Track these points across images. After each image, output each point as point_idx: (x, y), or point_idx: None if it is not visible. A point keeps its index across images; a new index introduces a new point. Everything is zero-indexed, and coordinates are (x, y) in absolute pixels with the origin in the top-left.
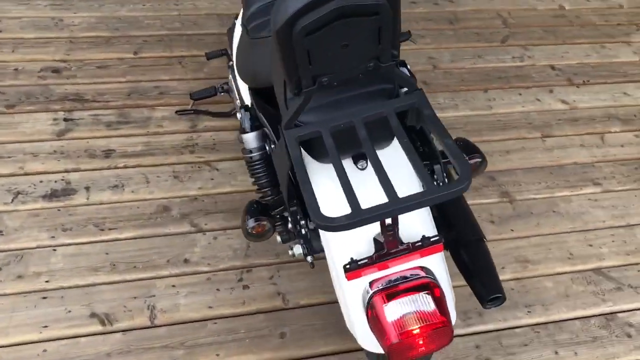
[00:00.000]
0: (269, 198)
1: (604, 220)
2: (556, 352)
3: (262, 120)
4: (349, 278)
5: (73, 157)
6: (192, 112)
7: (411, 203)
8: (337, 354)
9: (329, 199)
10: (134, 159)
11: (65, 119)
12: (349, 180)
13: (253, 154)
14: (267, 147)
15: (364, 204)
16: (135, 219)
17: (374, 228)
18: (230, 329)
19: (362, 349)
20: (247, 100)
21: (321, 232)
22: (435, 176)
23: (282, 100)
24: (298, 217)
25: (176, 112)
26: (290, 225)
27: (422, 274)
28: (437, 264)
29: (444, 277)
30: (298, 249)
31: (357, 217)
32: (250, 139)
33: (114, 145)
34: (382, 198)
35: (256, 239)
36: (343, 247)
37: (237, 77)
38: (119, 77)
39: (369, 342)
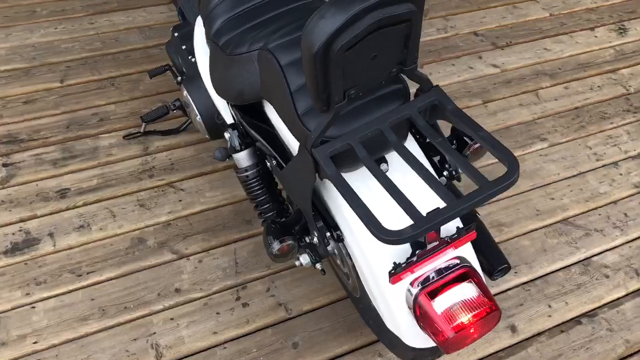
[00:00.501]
0: (270, 214)
1: (558, 172)
2: (549, 306)
3: (255, 136)
4: (394, 282)
5: (25, 204)
6: (140, 134)
7: (472, 202)
8: (352, 351)
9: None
10: (92, 194)
11: (4, 165)
12: (399, 189)
13: (249, 172)
14: (267, 163)
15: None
16: (111, 257)
17: None
18: (241, 351)
19: (375, 342)
20: (228, 118)
21: (351, 242)
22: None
23: (292, 117)
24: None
25: (124, 137)
26: (315, 239)
27: (459, 263)
28: (468, 250)
29: (475, 261)
30: (305, 259)
31: (423, 226)
32: (243, 157)
33: (66, 183)
34: (419, 199)
35: (283, 259)
36: (379, 252)
37: (214, 95)
38: (50, 109)
39: (417, 339)
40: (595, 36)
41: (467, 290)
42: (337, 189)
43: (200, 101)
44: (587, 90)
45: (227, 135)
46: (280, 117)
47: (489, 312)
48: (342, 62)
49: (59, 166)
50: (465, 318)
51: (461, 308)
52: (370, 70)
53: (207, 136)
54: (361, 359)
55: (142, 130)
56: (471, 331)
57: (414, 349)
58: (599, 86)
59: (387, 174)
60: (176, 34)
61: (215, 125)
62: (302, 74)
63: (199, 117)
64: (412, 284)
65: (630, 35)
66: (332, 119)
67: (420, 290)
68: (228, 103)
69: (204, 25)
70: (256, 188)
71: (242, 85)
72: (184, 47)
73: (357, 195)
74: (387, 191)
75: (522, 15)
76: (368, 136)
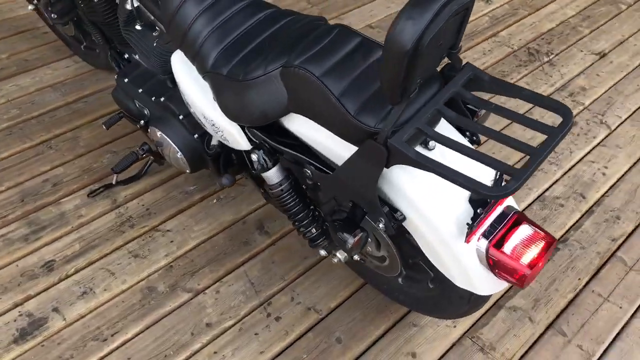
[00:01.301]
0: (307, 220)
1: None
2: None
3: (285, 150)
4: (469, 240)
5: (12, 287)
6: (103, 189)
7: (550, 147)
8: (390, 329)
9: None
10: (81, 259)
11: None
12: (482, 152)
13: (283, 185)
14: (307, 172)
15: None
16: (129, 313)
17: (464, 193)
18: None
19: (405, 315)
20: (244, 142)
21: (415, 218)
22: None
23: (343, 119)
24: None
25: (88, 195)
26: (382, 226)
27: (509, 211)
28: (509, 200)
29: (515, 204)
30: (342, 254)
31: (523, 176)
32: (275, 173)
33: (48, 255)
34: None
35: (359, 251)
36: (446, 221)
37: (223, 123)
38: None
39: (488, 286)
40: None
41: (525, 231)
42: (424, 168)
43: (178, 137)
44: (482, 56)
45: (254, 156)
46: (321, 124)
47: (550, 243)
48: (425, 55)
49: (32, 241)
50: (533, 253)
51: (527, 247)
52: (435, 58)
53: (187, 171)
54: (399, 334)
55: (114, 182)
56: (541, 264)
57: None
58: (489, 50)
59: (435, 151)
60: (126, 80)
61: (198, 157)
62: (340, 80)
63: (179, 153)
64: (477, 241)
65: (495, 3)
66: (404, 109)
67: (489, 243)
68: (244, 127)
69: (193, 63)
70: (292, 199)
71: (264, 106)
72: (140, 89)
73: (450, 167)
74: (472, 157)
75: (404, 2)
76: (429, 118)
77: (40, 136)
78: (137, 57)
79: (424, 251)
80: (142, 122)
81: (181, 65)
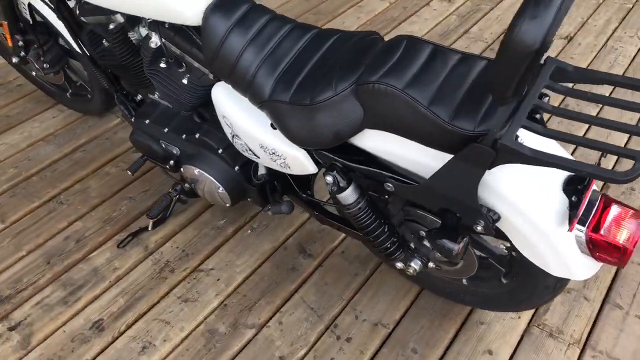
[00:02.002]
0: (384, 236)
1: None
2: None
3: (365, 168)
4: (572, 228)
5: (67, 355)
6: (131, 237)
7: None
8: (459, 330)
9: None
10: (129, 313)
11: (10, 329)
12: (594, 140)
13: (360, 203)
14: (389, 186)
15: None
16: (199, 358)
17: (555, 184)
18: None
19: (469, 314)
20: (310, 166)
21: (513, 216)
22: None
23: (436, 128)
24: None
25: (117, 246)
26: (480, 228)
27: (596, 196)
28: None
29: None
30: (417, 263)
31: None
32: (351, 192)
33: (94, 315)
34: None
35: (459, 259)
36: (545, 214)
37: (286, 150)
38: (14, 254)
39: (585, 270)
40: (434, 9)
41: (616, 211)
42: (542, 164)
43: (219, 171)
44: None
45: (329, 178)
46: (405, 136)
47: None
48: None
49: (72, 302)
50: (628, 230)
51: (620, 226)
52: None
53: (227, 205)
54: (470, 334)
55: (150, 228)
56: (637, 239)
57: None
58: (466, 47)
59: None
60: (147, 121)
61: (239, 189)
62: (425, 90)
63: (220, 188)
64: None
65: (457, 2)
66: (513, 108)
67: (586, 228)
68: (311, 151)
69: (245, 94)
70: (369, 216)
71: (337, 126)
72: (166, 129)
73: (572, 159)
74: (588, 145)
75: (371, 11)
76: (528, 114)
77: (47, 193)
78: (154, 96)
79: (517, 246)
80: (171, 162)
81: (226, 97)
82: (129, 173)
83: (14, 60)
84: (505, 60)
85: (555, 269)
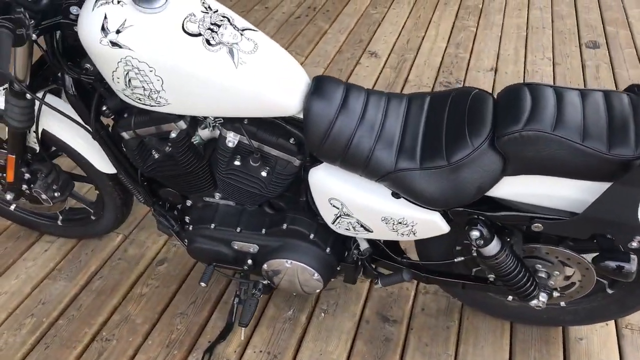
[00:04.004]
0: (526, 276)
1: None
2: None
3: (511, 214)
4: None
5: None
6: (208, 354)
7: None
8: (565, 354)
9: None
10: None
11: None
12: None
13: (507, 251)
14: (538, 227)
15: None
16: None
17: None
18: None
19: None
20: (445, 227)
21: None
22: None
23: (599, 162)
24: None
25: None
26: (635, 245)
27: None
28: None
29: None
30: (544, 296)
31: None
32: (496, 243)
33: None
34: None
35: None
36: None
37: (421, 216)
38: None
39: None
40: (367, 66)
41: None
42: None
43: (312, 257)
44: None
45: (475, 233)
46: (560, 175)
47: None
48: None
49: None
50: None
51: None
52: None
53: (317, 290)
54: (576, 352)
55: (242, 338)
56: None
57: None
58: None
59: None
60: (212, 225)
61: (333, 269)
62: (571, 129)
63: (315, 274)
64: None
65: (381, 56)
66: None
67: None
68: (445, 211)
69: (360, 172)
70: (512, 261)
71: (480, 180)
72: (239, 229)
73: None
74: None
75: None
76: None
77: (85, 333)
78: (212, 198)
79: None
80: (249, 262)
81: (334, 179)
82: (203, 284)
83: (8, 197)
84: None
85: None
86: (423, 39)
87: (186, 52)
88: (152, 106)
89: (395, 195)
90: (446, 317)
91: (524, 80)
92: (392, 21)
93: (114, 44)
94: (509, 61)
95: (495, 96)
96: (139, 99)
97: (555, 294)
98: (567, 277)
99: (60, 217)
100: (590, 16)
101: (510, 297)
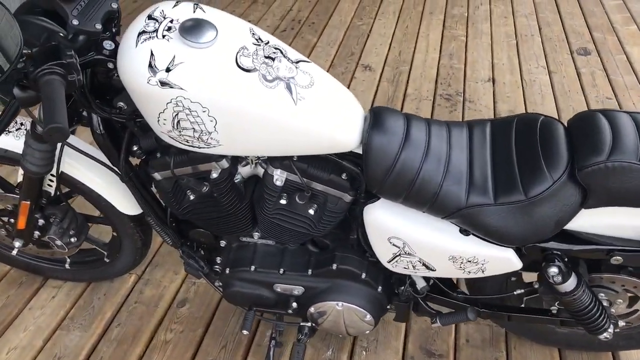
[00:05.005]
0: (599, 312)
1: None
2: None
3: (592, 249)
4: None
5: None
6: None
7: None
8: None
9: None
10: None
11: None
12: None
13: (584, 285)
14: (617, 260)
15: None
16: None
17: None
18: None
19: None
20: (518, 263)
21: None
22: None
23: None
24: None
25: None
26: None
27: None
28: None
29: None
30: (611, 327)
31: None
32: (572, 280)
33: None
34: None
35: None
36: None
37: (500, 250)
38: None
39: None
40: (363, 80)
41: None
42: None
43: (364, 298)
44: None
45: (554, 269)
46: None
47: None
48: None
49: None
50: None
51: None
52: None
53: (367, 331)
54: None
55: None
56: None
57: None
58: (416, 109)
59: None
60: (252, 268)
61: (383, 309)
62: None
63: (367, 315)
64: None
65: (376, 69)
66: None
67: None
68: (519, 248)
69: (426, 209)
70: (589, 297)
71: (560, 214)
72: (282, 270)
73: None
74: None
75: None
76: None
77: None
78: (250, 238)
79: None
80: (293, 305)
81: (395, 216)
82: (245, 332)
83: (17, 244)
84: None
85: None
86: (415, 50)
87: (243, 90)
88: (199, 148)
89: (465, 232)
90: (493, 347)
91: (522, 90)
92: (380, 32)
93: (163, 83)
94: (504, 71)
95: (566, 124)
96: (187, 141)
97: (621, 323)
98: (630, 305)
99: (68, 260)
100: (575, 22)
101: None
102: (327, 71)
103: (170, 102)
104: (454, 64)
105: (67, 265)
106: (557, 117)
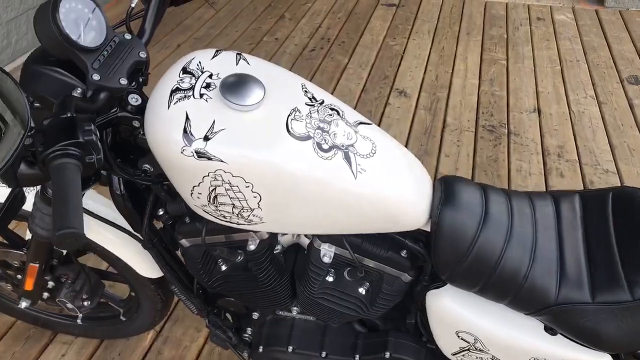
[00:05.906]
0: None
1: None
2: None
3: None
4: None
5: None
6: None
7: None
8: None
9: None
10: None
11: None
12: None
13: None
14: None
15: None
16: None
17: None
18: None
19: None
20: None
21: None
22: None
23: None
24: None
25: None
26: None
27: None
28: None
29: None
30: None
31: None
32: None
33: None
34: None
35: None
36: None
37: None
38: None
39: None
40: (398, 107)
41: None
42: None
43: None
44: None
45: None
46: None
47: None
48: None
49: None
50: None
51: None
52: None
53: None
54: None
55: None
56: None
57: None
58: (457, 140)
59: None
60: (289, 349)
61: None
62: None
63: None
64: None
65: (412, 95)
66: None
67: None
68: (617, 354)
69: (507, 302)
70: None
71: None
72: (324, 353)
73: None
74: None
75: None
76: None
77: None
78: (285, 312)
79: None
80: None
81: (468, 307)
82: None
83: (23, 305)
84: None
85: None
86: (452, 75)
87: (295, 162)
88: (239, 224)
89: (550, 329)
90: None
91: (571, 122)
92: (414, 54)
93: (200, 155)
94: (550, 100)
95: None
96: (224, 217)
97: None
98: None
99: (81, 315)
100: (623, 47)
101: None
102: (360, 97)
103: (208, 175)
104: (496, 91)
105: (79, 321)
106: (611, 155)
